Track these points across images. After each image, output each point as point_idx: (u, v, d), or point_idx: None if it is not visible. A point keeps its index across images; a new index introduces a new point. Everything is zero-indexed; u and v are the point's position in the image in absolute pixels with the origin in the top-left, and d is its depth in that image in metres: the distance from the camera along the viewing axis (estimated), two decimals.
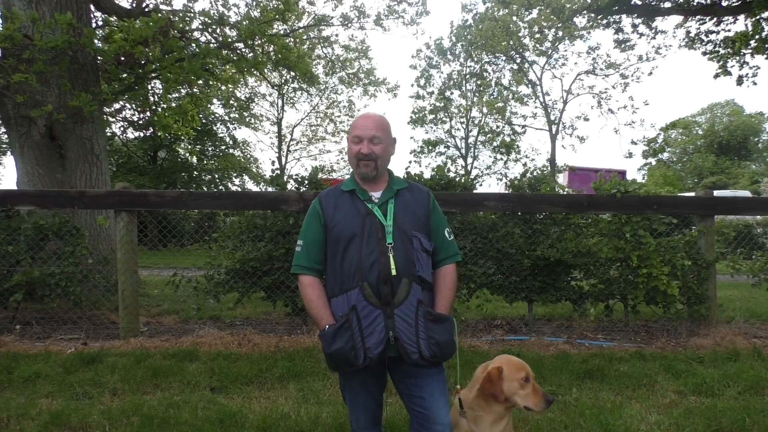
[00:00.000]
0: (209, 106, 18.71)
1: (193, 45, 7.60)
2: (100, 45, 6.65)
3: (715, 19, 11.68)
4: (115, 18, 8.00)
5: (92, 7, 7.50)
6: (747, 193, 22.19)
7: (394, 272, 2.00)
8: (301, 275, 2.13)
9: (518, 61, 28.42)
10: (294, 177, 5.63)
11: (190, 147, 21.76)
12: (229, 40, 8.38)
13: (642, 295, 5.09)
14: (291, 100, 28.29)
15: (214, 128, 23.15)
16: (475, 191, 5.66)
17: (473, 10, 28.47)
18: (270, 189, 5.88)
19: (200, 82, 8.37)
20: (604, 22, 13.17)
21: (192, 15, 8.34)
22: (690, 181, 41.86)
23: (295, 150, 30.56)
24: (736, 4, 11.00)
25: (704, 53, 12.39)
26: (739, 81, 12.09)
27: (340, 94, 27.96)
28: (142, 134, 20.94)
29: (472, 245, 5.26)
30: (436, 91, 30.31)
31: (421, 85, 30.34)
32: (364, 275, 2.00)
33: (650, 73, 26.84)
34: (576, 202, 5.27)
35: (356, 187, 2.16)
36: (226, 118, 24.01)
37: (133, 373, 3.94)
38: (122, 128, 20.10)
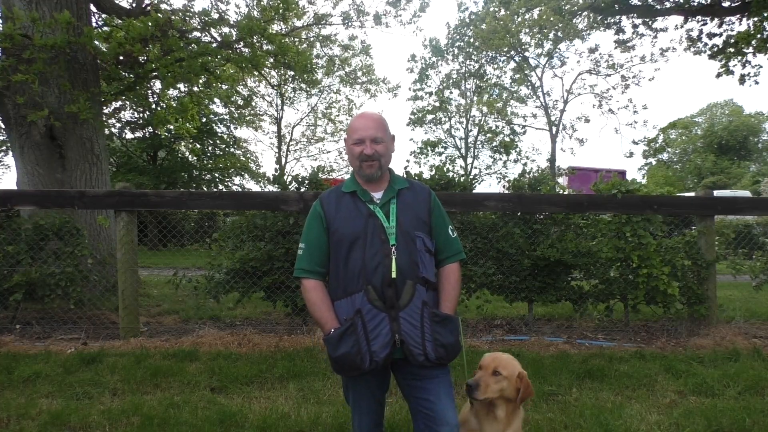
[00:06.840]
0: (209, 105, 18.66)
1: (193, 45, 7.59)
2: (99, 45, 6.62)
3: (716, 20, 11.65)
4: (116, 19, 7.99)
5: (93, 8, 7.49)
6: (747, 193, 22.18)
7: (393, 275, 1.98)
8: (304, 279, 2.09)
9: (518, 60, 28.36)
10: (294, 177, 5.63)
11: (191, 146, 21.72)
12: (231, 39, 8.37)
13: (642, 295, 5.09)
14: (290, 99, 28.25)
15: (215, 127, 23.11)
16: (474, 191, 5.66)
17: (468, 9, 28.46)
18: (270, 189, 5.88)
19: (201, 80, 8.36)
20: (605, 22, 13.15)
21: (191, 14, 8.34)
22: (690, 181, 41.85)
23: (295, 150, 30.58)
24: (737, 4, 10.98)
25: (707, 54, 12.37)
26: (742, 80, 12.08)
27: (339, 93, 27.93)
28: (141, 133, 20.91)
29: (472, 245, 5.26)
30: (434, 90, 30.23)
31: (418, 87, 30.29)
32: (368, 278, 1.99)
33: (651, 78, 26.90)
34: (576, 202, 5.27)
35: (357, 188, 2.13)
36: (226, 117, 23.99)
37: (133, 373, 3.94)
38: (118, 129, 20.07)
